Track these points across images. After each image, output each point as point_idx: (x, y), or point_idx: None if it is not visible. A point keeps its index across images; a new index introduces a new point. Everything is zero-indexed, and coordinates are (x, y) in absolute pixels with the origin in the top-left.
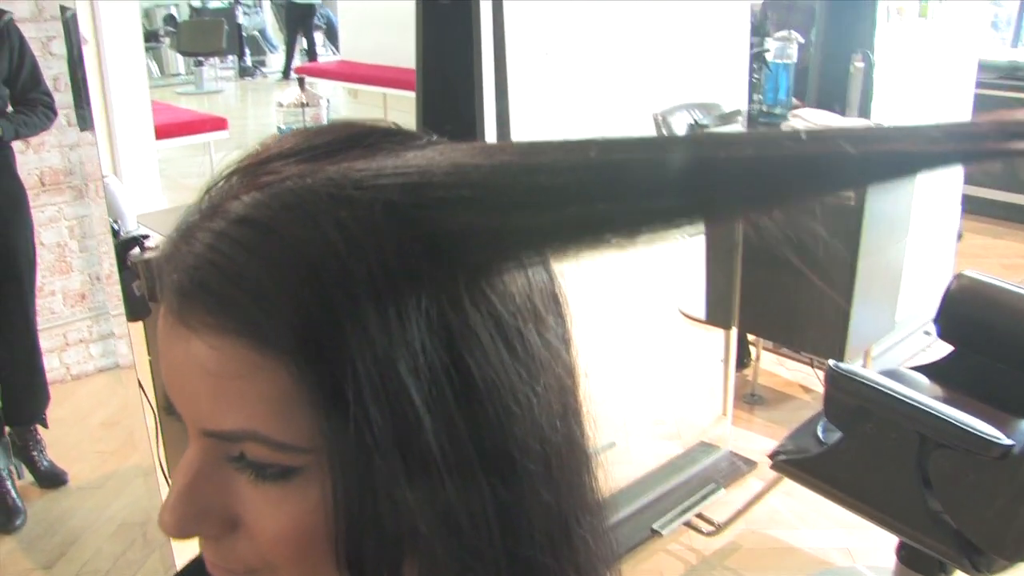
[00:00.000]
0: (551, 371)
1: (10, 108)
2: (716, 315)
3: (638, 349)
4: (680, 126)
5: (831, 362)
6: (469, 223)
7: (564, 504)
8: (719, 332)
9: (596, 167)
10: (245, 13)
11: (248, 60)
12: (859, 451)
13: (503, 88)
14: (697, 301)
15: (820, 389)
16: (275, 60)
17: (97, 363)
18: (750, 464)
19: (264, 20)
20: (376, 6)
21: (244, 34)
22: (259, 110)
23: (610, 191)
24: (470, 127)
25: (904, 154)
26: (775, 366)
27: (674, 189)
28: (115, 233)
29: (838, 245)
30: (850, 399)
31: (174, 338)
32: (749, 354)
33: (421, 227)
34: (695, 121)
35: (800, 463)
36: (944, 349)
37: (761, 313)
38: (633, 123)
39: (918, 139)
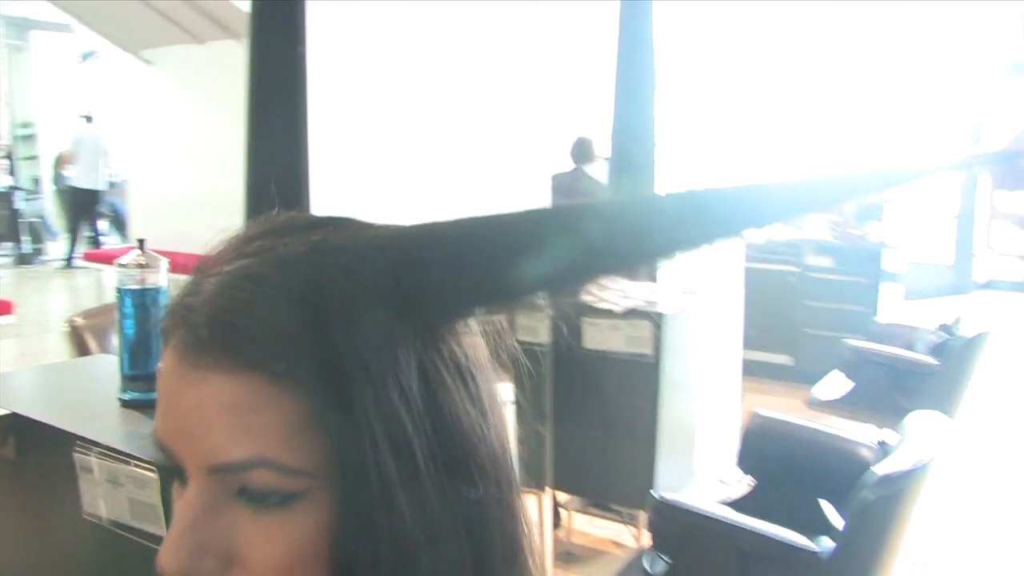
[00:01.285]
0: (496, 411)
1: None
2: (530, 480)
3: None
4: None
5: (656, 493)
6: (437, 281)
7: (513, 525)
8: (533, 498)
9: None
10: (25, 199)
11: (26, 247)
12: (687, 575)
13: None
14: None
15: (631, 543)
16: (56, 247)
17: None
18: None
19: (44, 207)
20: (168, 194)
21: (22, 221)
22: (42, 297)
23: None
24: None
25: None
26: (586, 525)
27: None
28: None
29: (638, 401)
30: (674, 527)
31: (186, 384)
32: (559, 515)
33: (412, 281)
34: None
35: None
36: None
37: (572, 472)
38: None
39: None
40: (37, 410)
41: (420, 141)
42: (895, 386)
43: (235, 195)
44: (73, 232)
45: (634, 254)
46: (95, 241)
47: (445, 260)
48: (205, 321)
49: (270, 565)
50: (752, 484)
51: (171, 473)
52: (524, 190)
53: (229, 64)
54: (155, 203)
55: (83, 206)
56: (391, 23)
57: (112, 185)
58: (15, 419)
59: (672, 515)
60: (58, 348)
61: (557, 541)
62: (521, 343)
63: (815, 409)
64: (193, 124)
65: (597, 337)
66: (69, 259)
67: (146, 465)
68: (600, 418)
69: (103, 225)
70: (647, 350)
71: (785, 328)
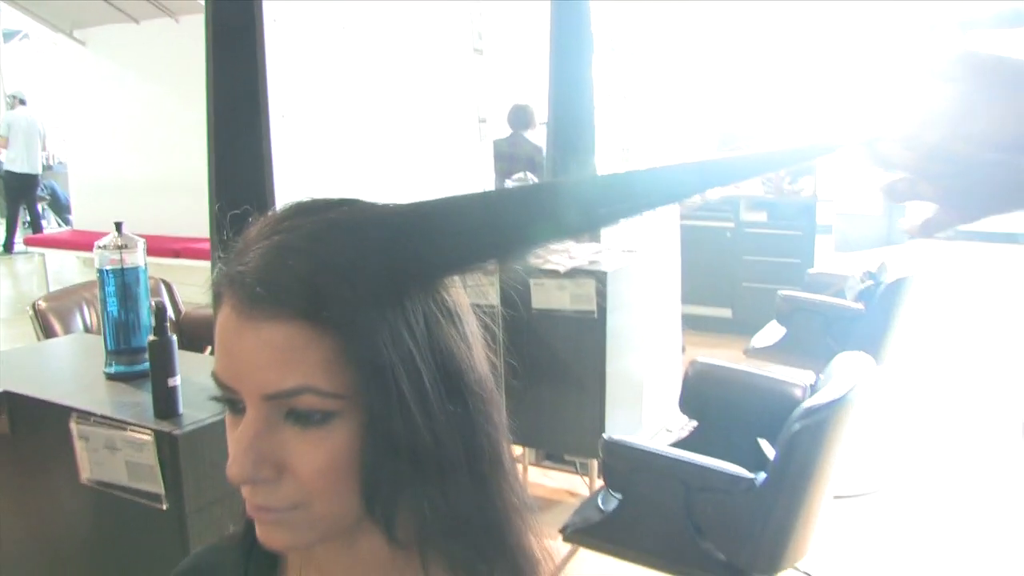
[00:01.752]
0: (478, 345)
1: None
2: None
3: None
4: None
5: (605, 435)
6: (432, 247)
7: (497, 435)
8: None
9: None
10: None
11: None
12: (637, 509)
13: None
14: None
15: (585, 492)
16: None
17: None
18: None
19: None
20: (108, 176)
21: None
22: None
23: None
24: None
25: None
26: (541, 477)
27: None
28: None
29: (586, 355)
30: (623, 464)
31: (244, 331)
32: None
33: (415, 248)
34: None
35: (587, 530)
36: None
37: (527, 427)
38: None
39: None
40: (27, 387)
41: (369, 119)
42: (826, 332)
43: (176, 175)
44: (11, 218)
45: (581, 224)
46: (35, 226)
47: (437, 231)
48: (256, 283)
49: (314, 471)
50: (694, 426)
51: (229, 405)
52: (470, 157)
53: (165, 43)
54: (96, 185)
55: (20, 190)
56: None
57: (49, 168)
58: (7, 396)
59: (621, 454)
60: (13, 335)
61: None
62: (475, 305)
63: (752, 357)
64: (131, 104)
65: (544, 297)
66: (8, 244)
67: (142, 430)
68: (551, 374)
69: (41, 209)
70: (591, 307)
71: (724, 282)
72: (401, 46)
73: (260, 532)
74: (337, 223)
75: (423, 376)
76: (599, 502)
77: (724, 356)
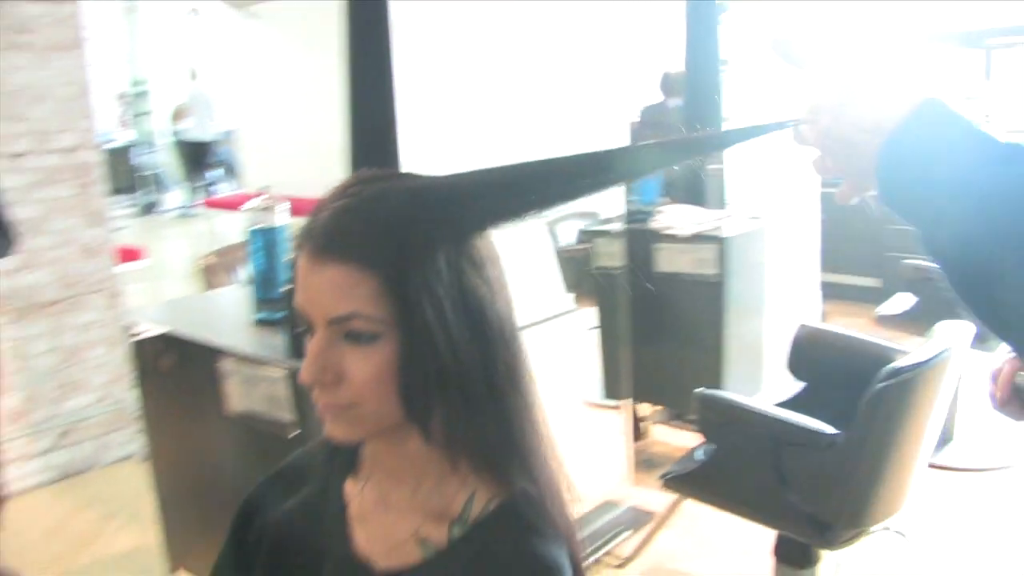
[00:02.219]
0: (501, 287)
1: None
2: (612, 391)
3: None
4: (568, 233)
5: (701, 389)
6: (461, 209)
7: (514, 360)
8: (617, 415)
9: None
10: (143, 153)
11: (146, 198)
12: (727, 460)
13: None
14: (597, 391)
15: None
16: (172, 197)
17: (36, 479)
18: (648, 515)
19: (160, 158)
20: (278, 140)
21: (142, 173)
22: (165, 244)
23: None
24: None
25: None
26: (666, 435)
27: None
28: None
29: (705, 318)
30: (716, 416)
31: (315, 271)
32: (639, 428)
33: (446, 210)
34: (583, 227)
35: (683, 477)
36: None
37: (650, 385)
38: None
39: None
40: (189, 328)
41: (507, 82)
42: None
43: (335, 140)
44: (189, 182)
45: (564, 194)
46: (209, 190)
47: (466, 197)
48: (323, 235)
49: (363, 379)
50: (801, 387)
51: (304, 327)
52: (610, 124)
53: (329, 15)
54: (264, 151)
55: (197, 157)
56: None
57: (224, 135)
58: (172, 337)
59: (713, 407)
60: (185, 289)
61: (638, 451)
62: (601, 269)
63: (884, 325)
64: (296, 75)
65: (667, 260)
66: (187, 207)
67: (278, 365)
68: (673, 335)
69: (216, 173)
70: (711, 271)
71: (869, 252)
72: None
73: (327, 427)
74: (386, 191)
75: (446, 311)
76: (696, 455)
77: (857, 325)
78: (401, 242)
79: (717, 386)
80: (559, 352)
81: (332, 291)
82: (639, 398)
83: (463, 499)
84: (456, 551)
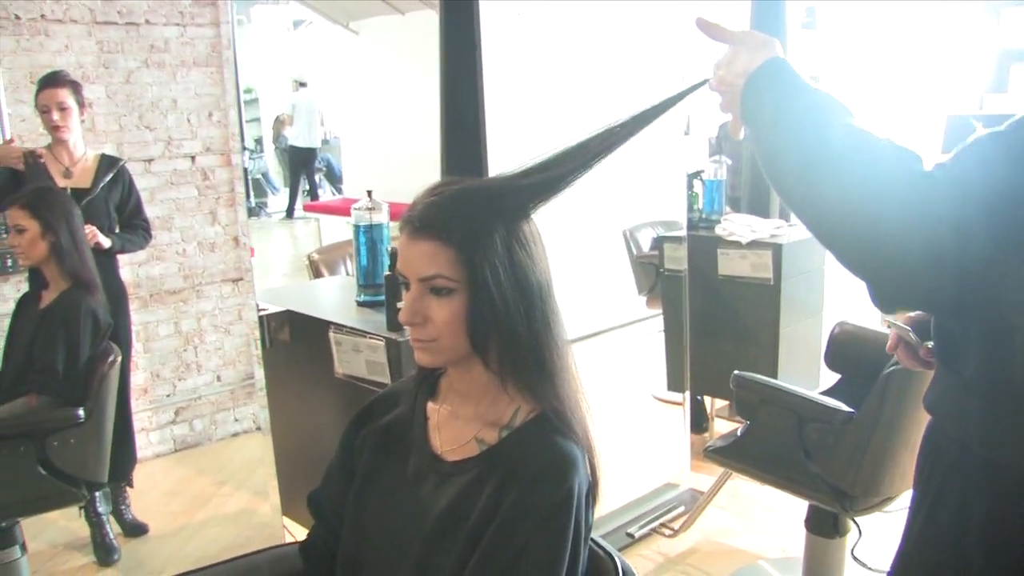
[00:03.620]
0: (541, 261)
1: (117, 228)
2: (675, 383)
3: (622, 425)
4: (645, 240)
5: (735, 372)
6: (521, 201)
7: (550, 314)
8: (682, 409)
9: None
10: (250, 158)
11: (252, 201)
12: (760, 434)
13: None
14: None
15: None
16: (277, 201)
17: (155, 448)
18: (705, 495)
19: (266, 164)
20: (377, 148)
21: (249, 177)
22: (268, 245)
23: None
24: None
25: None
26: (728, 426)
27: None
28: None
29: (762, 318)
30: (749, 395)
31: (412, 244)
32: (707, 419)
33: (502, 201)
34: (657, 234)
35: (721, 450)
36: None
37: (710, 378)
38: (605, 237)
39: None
40: (303, 308)
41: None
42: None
43: (430, 150)
44: (293, 187)
45: (545, 182)
46: (312, 194)
47: (509, 191)
48: (417, 221)
49: (442, 321)
50: (838, 379)
51: (404, 286)
52: (692, 138)
53: (427, 32)
54: (364, 159)
55: (301, 163)
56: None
57: (326, 142)
58: (289, 314)
59: (748, 386)
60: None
61: (702, 442)
62: (669, 272)
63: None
64: (394, 87)
65: (728, 264)
66: (290, 210)
67: (377, 337)
68: (733, 333)
69: (319, 179)
70: (768, 275)
71: None
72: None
73: (416, 355)
74: (460, 190)
75: (500, 275)
76: (737, 432)
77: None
78: (469, 226)
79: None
80: (631, 350)
81: (422, 258)
82: (699, 392)
83: (511, 412)
84: (502, 446)
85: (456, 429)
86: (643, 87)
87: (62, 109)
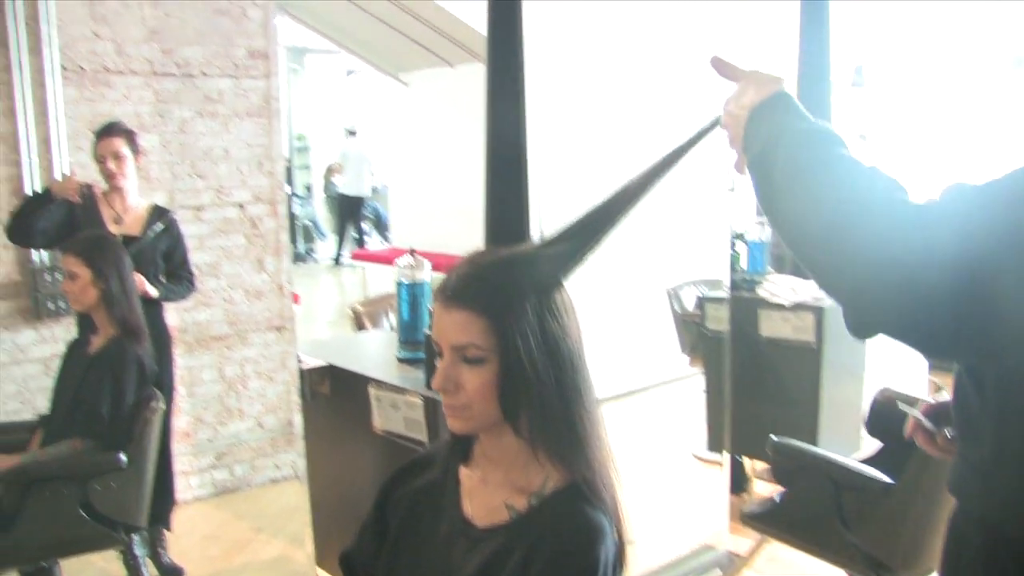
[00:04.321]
0: (572, 332)
1: (163, 278)
2: (715, 443)
3: (661, 484)
4: (688, 299)
5: (772, 437)
6: (554, 270)
7: (580, 383)
8: (722, 470)
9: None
10: (300, 204)
11: (301, 247)
12: (797, 501)
13: None
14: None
15: None
16: (324, 247)
17: (195, 492)
18: (743, 559)
19: (315, 210)
20: (425, 199)
21: (297, 223)
22: (315, 291)
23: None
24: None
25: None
26: (768, 488)
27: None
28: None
29: (803, 381)
30: (787, 461)
31: (446, 313)
32: (747, 480)
33: (535, 271)
34: (701, 294)
35: (760, 515)
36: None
37: (750, 439)
38: (649, 294)
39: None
40: (344, 362)
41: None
42: None
43: (476, 202)
44: (341, 234)
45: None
46: (360, 242)
47: (543, 260)
48: (451, 291)
49: (474, 389)
50: (880, 447)
51: (437, 351)
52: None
53: (475, 84)
54: (411, 209)
55: (349, 210)
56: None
57: (374, 191)
58: (331, 368)
59: (785, 452)
60: (333, 332)
61: (742, 503)
62: (711, 332)
63: None
64: (443, 139)
65: (770, 326)
66: (337, 258)
67: (415, 395)
68: (773, 395)
69: (366, 227)
70: (810, 338)
71: None
72: None
73: (448, 421)
74: (494, 262)
75: (532, 344)
76: (776, 497)
77: None
78: (501, 296)
79: (813, 442)
80: (674, 408)
81: (455, 327)
82: (740, 452)
83: (541, 480)
84: (531, 515)
85: (487, 495)
86: (690, 126)
87: (117, 158)
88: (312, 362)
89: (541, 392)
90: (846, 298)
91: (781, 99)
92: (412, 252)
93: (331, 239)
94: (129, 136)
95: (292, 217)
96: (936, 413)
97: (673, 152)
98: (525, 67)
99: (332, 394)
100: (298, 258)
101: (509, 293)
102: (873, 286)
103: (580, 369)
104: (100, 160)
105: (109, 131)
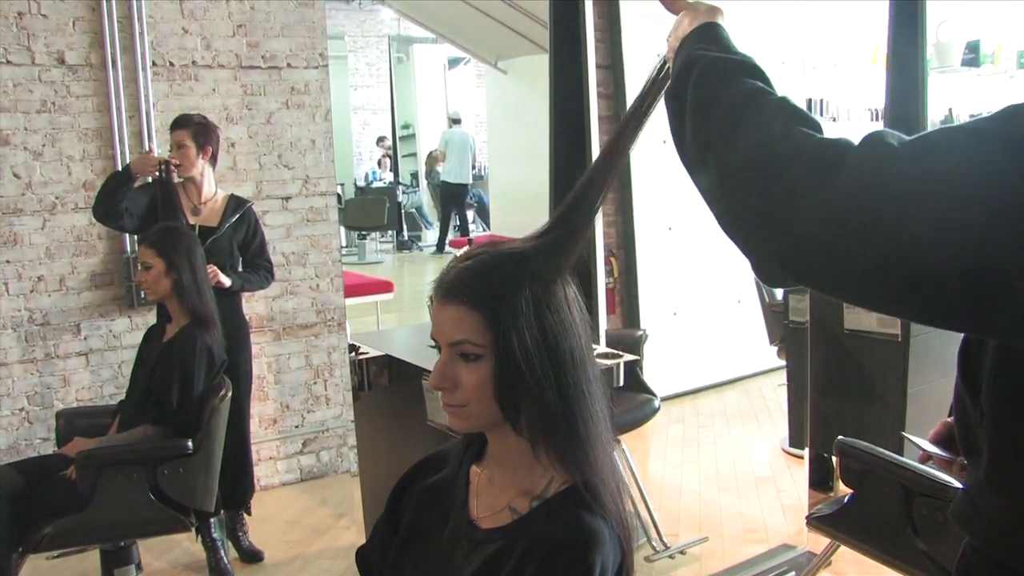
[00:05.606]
0: (572, 325)
1: (240, 268)
2: (797, 439)
3: (748, 477)
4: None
5: (840, 437)
6: (549, 261)
7: (582, 381)
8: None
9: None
10: (404, 192)
11: (406, 235)
12: (865, 505)
13: None
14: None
15: None
16: (430, 235)
17: (282, 477)
18: (821, 559)
19: (421, 199)
20: (522, 186)
21: (403, 211)
22: (414, 279)
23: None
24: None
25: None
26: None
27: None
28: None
29: (888, 376)
30: (855, 463)
31: (442, 309)
32: (832, 478)
33: (530, 264)
34: None
35: (825, 519)
36: None
37: (833, 435)
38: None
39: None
40: (400, 352)
41: None
42: None
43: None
44: (444, 221)
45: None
46: (463, 229)
47: (536, 250)
48: (447, 286)
49: (471, 386)
50: None
51: (437, 349)
52: None
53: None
54: (510, 195)
55: (452, 198)
56: None
57: (479, 178)
58: (388, 359)
59: (853, 454)
60: (425, 320)
61: (824, 500)
62: (793, 323)
63: None
64: (539, 125)
65: (855, 319)
66: (440, 245)
67: None
68: (857, 390)
69: (470, 215)
70: (896, 330)
71: None
72: None
73: (448, 420)
74: (491, 256)
75: (527, 340)
76: (845, 499)
77: None
78: (496, 290)
79: (900, 442)
80: (766, 399)
81: (450, 323)
82: (822, 449)
83: (544, 482)
84: (530, 517)
85: (493, 496)
86: None
87: (180, 148)
88: (371, 353)
89: (539, 390)
90: (754, 245)
91: (710, 27)
92: (470, 242)
93: (436, 227)
94: (196, 128)
95: (398, 205)
96: (948, 437)
97: (635, 102)
98: (589, 59)
99: (390, 384)
100: (403, 246)
101: (504, 287)
102: (791, 227)
103: (582, 367)
104: (171, 151)
105: (176, 124)
